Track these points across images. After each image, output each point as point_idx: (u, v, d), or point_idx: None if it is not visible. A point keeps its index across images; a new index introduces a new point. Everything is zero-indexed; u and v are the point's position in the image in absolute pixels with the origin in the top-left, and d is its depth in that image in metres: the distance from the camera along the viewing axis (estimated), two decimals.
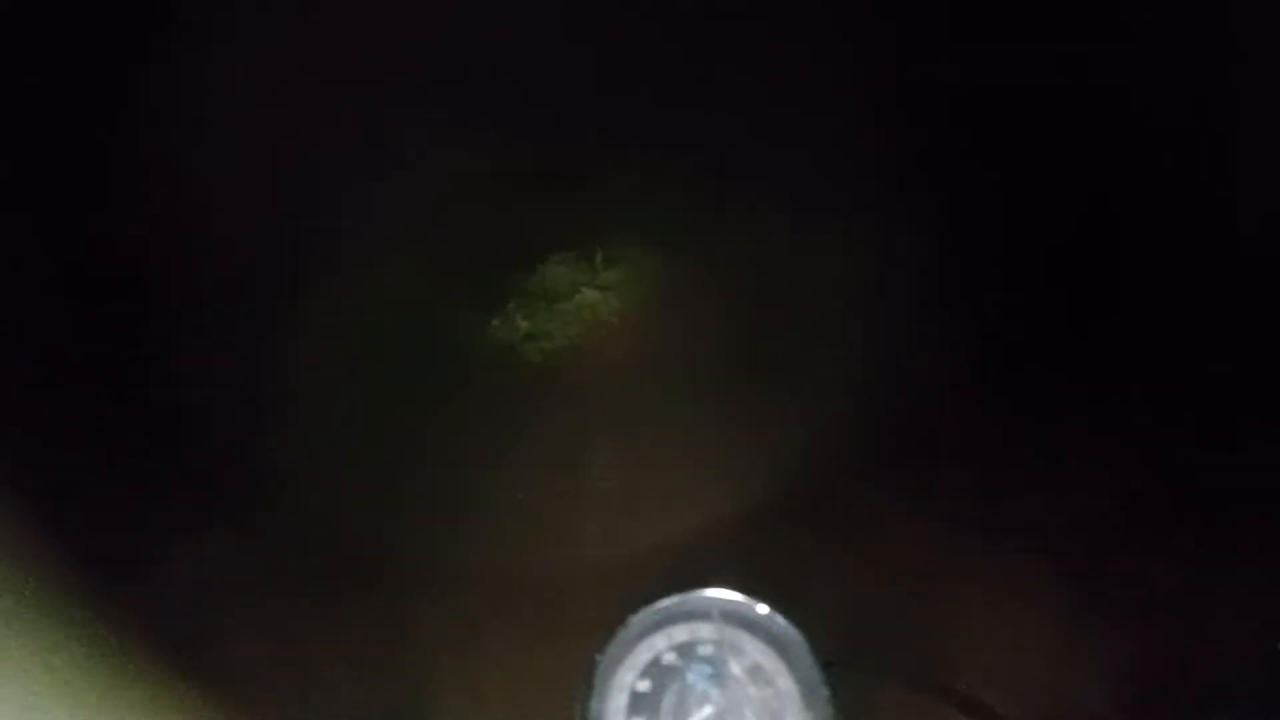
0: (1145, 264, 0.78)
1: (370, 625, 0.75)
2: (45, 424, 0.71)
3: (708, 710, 0.54)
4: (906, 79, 0.87)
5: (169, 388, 0.81)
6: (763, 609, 0.55)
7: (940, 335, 0.84)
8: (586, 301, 0.89)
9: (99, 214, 0.81)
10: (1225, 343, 0.72)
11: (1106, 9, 0.79)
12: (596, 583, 0.76)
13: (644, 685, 0.54)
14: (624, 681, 0.54)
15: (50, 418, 0.72)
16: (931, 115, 0.87)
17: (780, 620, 0.55)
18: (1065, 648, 0.69)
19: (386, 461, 0.83)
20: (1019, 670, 0.69)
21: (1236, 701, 0.59)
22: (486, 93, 0.90)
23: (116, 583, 0.66)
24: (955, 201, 0.84)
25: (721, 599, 0.56)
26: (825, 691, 0.53)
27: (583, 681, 0.54)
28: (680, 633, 0.55)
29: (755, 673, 0.54)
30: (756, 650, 0.55)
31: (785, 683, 0.54)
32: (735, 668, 0.54)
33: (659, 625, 0.55)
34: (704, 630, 0.55)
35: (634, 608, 0.55)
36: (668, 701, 0.54)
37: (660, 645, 0.55)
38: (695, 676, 0.54)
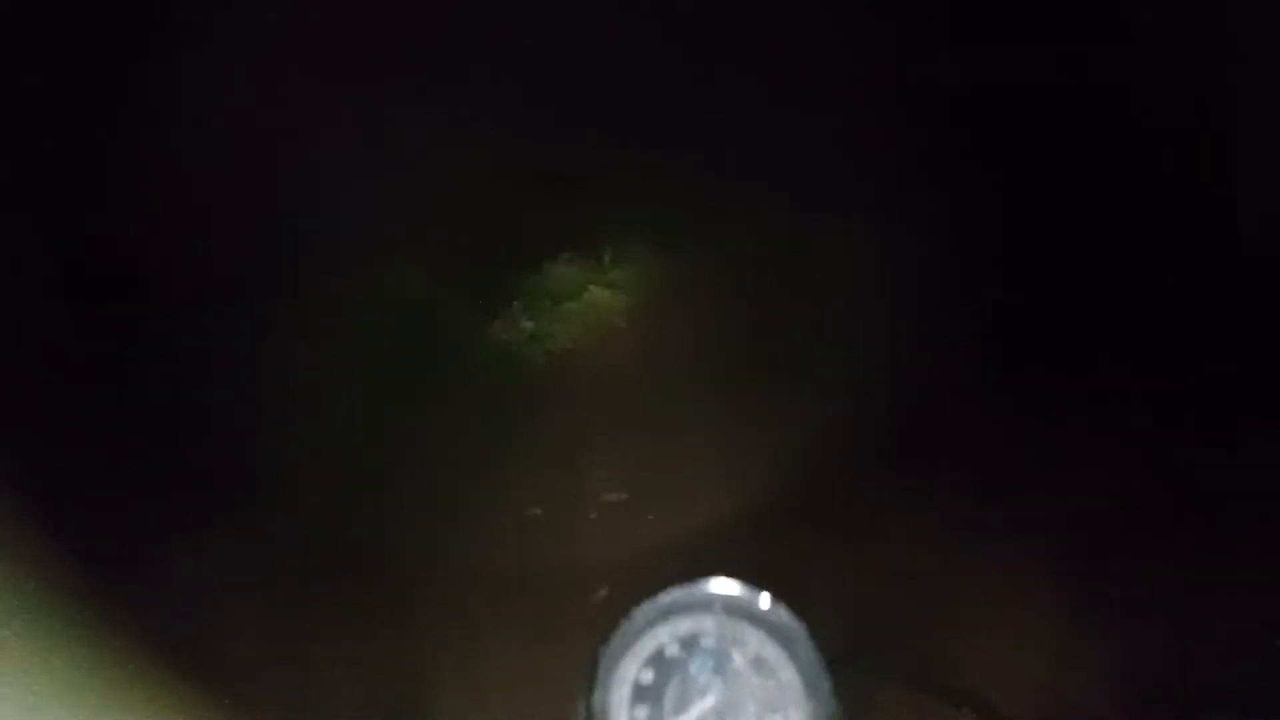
0: (1145, 264, 0.78)
1: (370, 625, 0.75)
2: (45, 424, 0.71)
3: (710, 701, 0.54)
4: (906, 79, 0.87)
5: (169, 388, 0.81)
6: (765, 601, 0.56)
7: (940, 335, 0.84)
8: (593, 301, 0.88)
9: (99, 214, 0.81)
10: (1225, 343, 0.72)
11: (1106, 9, 0.79)
12: (597, 583, 0.76)
13: (647, 677, 0.55)
14: (627, 673, 0.55)
15: (50, 418, 0.72)
16: (931, 115, 0.87)
17: (783, 612, 0.55)
18: (1065, 648, 0.69)
19: (386, 461, 0.83)
20: (1019, 670, 0.69)
21: (1236, 701, 0.59)
22: (486, 93, 0.90)
23: (116, 583, 0.66)
24: (955, 201, 0.84)
25: (724, 591, 0.56)
26: (827, 683, 0.54)
27: (586, 673, 0.54)
28: (683, 625, 0.56)
29: (758, 664, 0.55)
30: (759, 642, 0.55)
31: (788, 674, 0.54)
32: (738, 659, 0.55)
33: (662, 617, 0.56)
34: (707, 622, 0.55)
35: (637, 600, 0.56)
36: (670, 693, 0.54)
37: (663, 637, 0.55)
38: (698, 668, 0.55)
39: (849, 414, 0.82)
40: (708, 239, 0.90)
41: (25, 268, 0.76)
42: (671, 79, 0.91)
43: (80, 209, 0.81)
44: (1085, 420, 0.77)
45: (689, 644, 0.55)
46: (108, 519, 0.69)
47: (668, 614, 0.56)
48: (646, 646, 0.55)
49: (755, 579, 0.56)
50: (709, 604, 0.56)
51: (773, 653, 0.55)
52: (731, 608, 0.56)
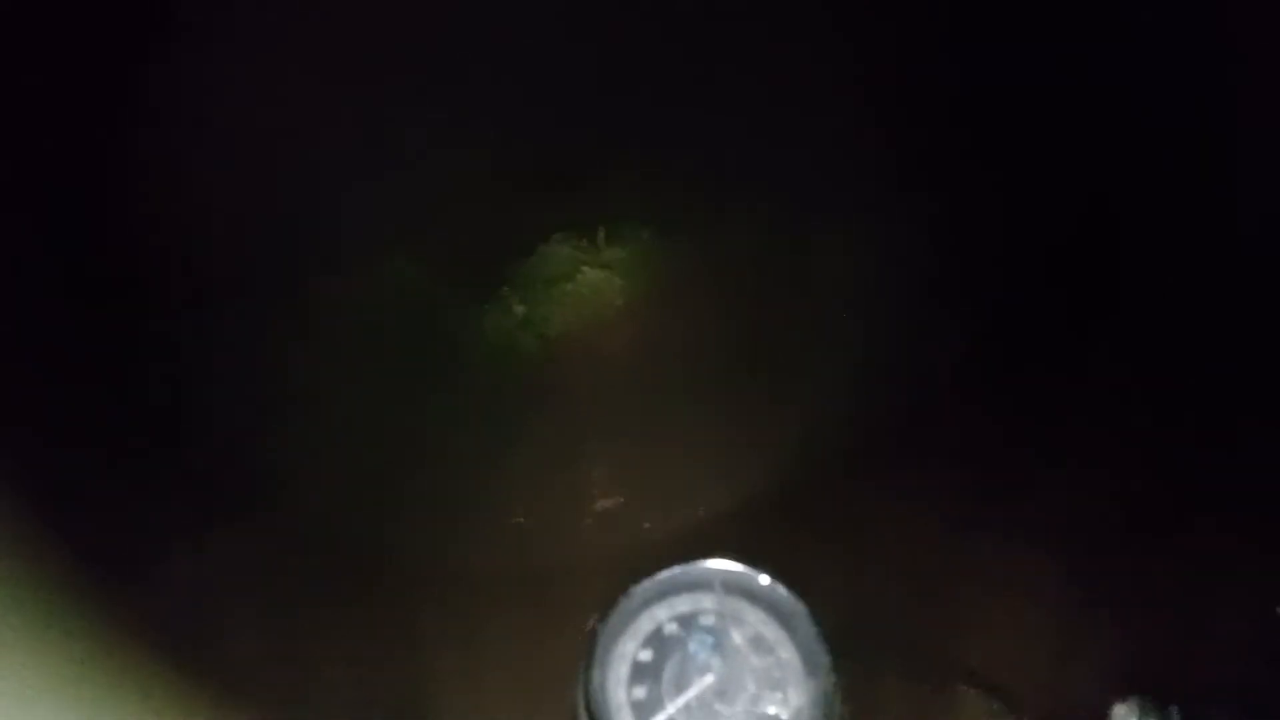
0: (1145, 264, 0.78)
1: (370, 625, 0.75)
2: (45, 424, 0.71)
3: (709, 680, 0.54)
4: (906, 79, 0.87)
5: (169, 388, 0.81)
6: (764, 579, 0.56)
7: (940, 335, 0.84)
8: (588, 281, 0.88)
9: (99, 214, 0.81)
10: (1225, 343, 0.72)
11: (1106, 9, 0.79)
12: (596, 580, 0.76)
13: (645, 655, 0.55)
14: (625, 651, 0.55)
15: (50, 418, 0.72)
16: (931, 115, 0.87)
17: (782, 590, 0.55)
18: (1065, 647, 0.69)
19: (386, 461, 0.83)
20: (1019, 669, 0.69)
21: (1236, 701, 0.59)
22: (486, 93, 0.90)
23: (116, 582, 0.66)
24: (955, 201, 0.84)
25: (723, 569, 0.56)
26: (826, 661, 0.54)
27: (584, 651, 0.54)
28: (682, 603, 0.56)
29: (757, 643, 0.55)
30: (758, 620, 0.55)
31: (786, 652, 0.54)
32: (737, 638, 0.55)
33: (661, 595, 0.56)
34: (706, 600, 0.56)
35: (636, 579, 0.56)
36: (669, 671, 0.54)
37: (662, 615, 0.55)
38: (697, 646, 0.55)
39: (848, 413, 0.82)
40: (708, 239, 0.90)
41: (25, 268, 0.76)
42: (671, 79, 0.91)
43: (80, 209, 0.81)
44: (1085, 420, 0.77)
45: (688, 622, 0.55)
46: (107, 519, 0.69)
47: (666, 592, 0.56)
48: (645, 624, 0.55)
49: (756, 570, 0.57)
50: (708, 582, 0.56)
51: (772, 631, 0.55)
52: (730, 586, 0.56)
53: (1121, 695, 0.59)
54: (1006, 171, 0.83)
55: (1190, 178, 0.75)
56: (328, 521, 0.78)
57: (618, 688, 0.54)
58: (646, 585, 0.56)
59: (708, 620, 0.55)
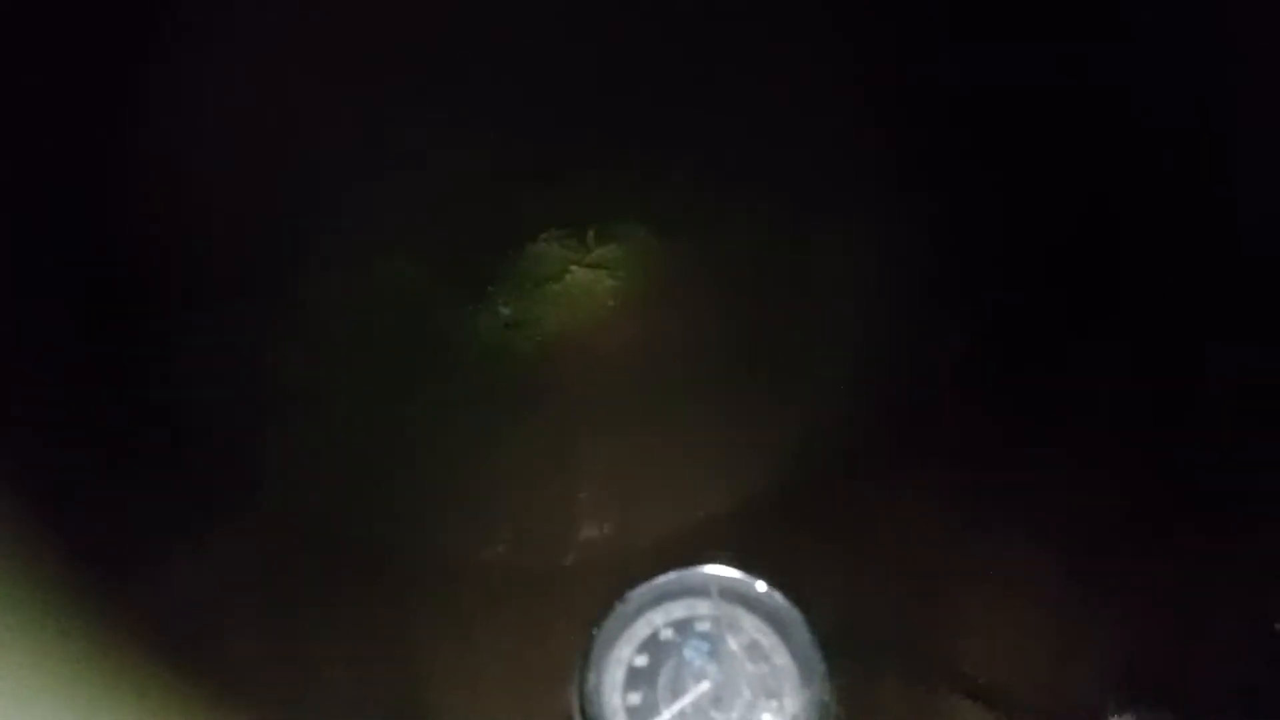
0: (1145, 264, 0.78)
1: (369, 625, 0.75)
2: (45, 424, 0.71)
3: (704, 686, 0.54)
4: (906, 79, 0.87)
5: (169, 388, 0.81)
6: (760, 586, 0.56)
7: (940, 335, 0.84)
8: (578, 281, 0.88)
9: (99, 214, 0.81)
10: (1225, 343, 0.72)
11: (1106, 9, 0.79)
12: (593, 579, 0.76)
13: (641, 660, 0.55)
14: (621, 656, 0.55)
15: (50, 418, 0.72)
16: (931, 115, 0.87)
17: (778, 597, 0.55)
18: (1065, 646, 0.69)
19: (384, 460, 0.83)
20: (1019, 669, 0.69)
21: (1236, 701, 0.59)
22: (486, 93, 0.90)
23: (115, 582, 0.66)
24: (955, 201, 0.84)
25: (720, 576, 0.56)
26: (822, 668, 0.54)
27: (580, 656, 0.54)
28: (678, 609, 0.56)
29: (752, 649, 0.54)
30: (754, 627, 0.55)
31: (782, 659, 0.54)
32: (732, 644, 0.55)
33: (657, 601, 0.56)
34: (702, 607, 0.55)
35: (633, 584, 0.56)
36: (664, 677, 0.54)
37: (658, 621, 0.55)
38: (692, 652, 0.55)
39: (848, 413, 0.82)
40: (707, 238, 0.90)
41: (25, 268, 0.76)
42: (671, 79, 0.91)
43: (80, 209, 0.81)
44: (1085, 420, 0.77)
45: (683, 628, 0.55)
46: (106, 518, 0.70)
47: (662, 598, 0.56)
48: (641, 630, 0.55)
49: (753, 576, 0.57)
50: (704, 588, 0.56)
51: (767, 638, 0.55)
52: (726, 592, 0.56)
53: (1119, 700, 0.59)
54: (1006, 171, 0.83)
55: (1190, 178, 0.75)
56: (326, 521, 0.78)
57: (613, 693, 0.54)
58: (643, 590, 0.56)
59: (704, 626, 0.55)
